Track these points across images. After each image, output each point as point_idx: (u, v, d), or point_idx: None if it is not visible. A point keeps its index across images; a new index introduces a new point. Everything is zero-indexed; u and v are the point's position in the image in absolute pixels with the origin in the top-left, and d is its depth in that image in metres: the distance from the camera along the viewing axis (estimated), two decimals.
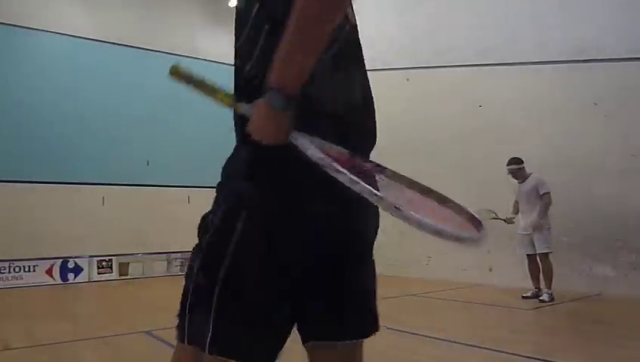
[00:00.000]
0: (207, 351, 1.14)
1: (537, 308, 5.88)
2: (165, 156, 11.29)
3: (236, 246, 1.13)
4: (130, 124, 10.95)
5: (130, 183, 10.81)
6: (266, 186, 1.13)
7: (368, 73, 1.44)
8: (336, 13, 1.08)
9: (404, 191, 1.20)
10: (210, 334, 1.14)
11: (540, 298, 6.18)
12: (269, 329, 1.16)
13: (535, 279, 6.48)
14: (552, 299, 6.10)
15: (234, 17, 1.38)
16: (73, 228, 9.95)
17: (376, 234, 1.39)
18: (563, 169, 7.16)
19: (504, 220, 6.61)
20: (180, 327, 1.27)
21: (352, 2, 1.39)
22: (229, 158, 1.26)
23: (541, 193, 6.24)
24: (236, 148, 1.25)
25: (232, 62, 1.43)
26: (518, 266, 7.59)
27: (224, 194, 1.21)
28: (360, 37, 1.46)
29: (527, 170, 6.48)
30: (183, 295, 1.29)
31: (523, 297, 6.40)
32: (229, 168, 1.23)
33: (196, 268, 1.22)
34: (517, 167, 6.44)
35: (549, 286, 6.20)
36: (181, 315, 1.28)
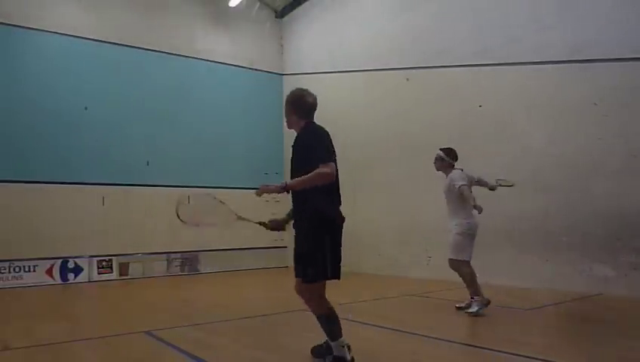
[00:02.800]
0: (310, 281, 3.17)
1: (537, 308, 5.89)
2: (165, 156, 11.31)
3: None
4: (130, 125, 10.96)
5: (130, 183, 10.82)
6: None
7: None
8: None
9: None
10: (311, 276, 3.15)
11: (467, 310, 5.40)
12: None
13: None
14: (481, 306, 5.31)
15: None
16: (73, 228, 9.96)
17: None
18: (563, 169, 7.17)
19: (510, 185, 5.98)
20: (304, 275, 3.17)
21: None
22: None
23: (456, 186, 5.38)
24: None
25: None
26: (517, 266, 7.60)
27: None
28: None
29: (457, 166, 5.73)
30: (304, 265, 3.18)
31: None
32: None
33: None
34: (439, 155, 5.74)
35: (474, 294, 5.41)
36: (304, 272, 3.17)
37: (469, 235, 5.43)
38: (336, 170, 3.20)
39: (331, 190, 3.21)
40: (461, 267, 5.45)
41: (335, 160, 3.19)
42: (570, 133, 7.16)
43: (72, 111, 10.29)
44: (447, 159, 5.69)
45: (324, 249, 3.11)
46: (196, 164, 11.63)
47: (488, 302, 5.36)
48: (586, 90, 6.97)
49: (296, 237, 3.30)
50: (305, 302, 3.25)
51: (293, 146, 3.32)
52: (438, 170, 5.78)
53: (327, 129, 3.38)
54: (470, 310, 5.34)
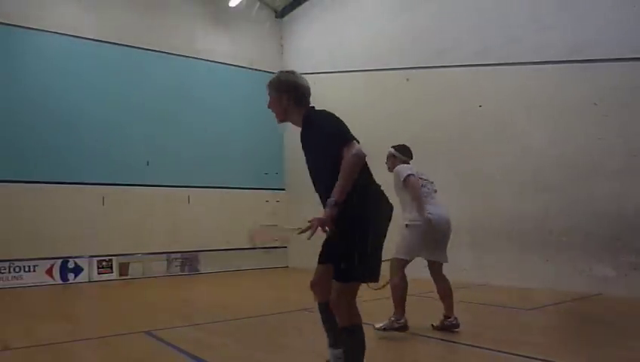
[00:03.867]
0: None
1: (537, 308, 5.89)
2: (165, 156, 11.31)
3: None
4: (130, 125, 10.96)
5: (130, 183, 10.82)
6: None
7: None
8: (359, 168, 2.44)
9: None
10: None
11: (377, 325, 4.32)
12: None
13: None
14: (390, 327, 4.30)
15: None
16: (73, 228, 9.96)
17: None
18: (563, 169, 7.16)
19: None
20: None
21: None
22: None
23: (402, 179, 4.53)
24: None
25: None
26: (517, 266, 7.60)
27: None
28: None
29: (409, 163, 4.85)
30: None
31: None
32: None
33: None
34: (390, 153, 4.87)
35: (396, 312, 4.37)
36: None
37: (415, 229, 4.40)
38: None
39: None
40: (393, 270, 4.38)
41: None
42: (570, 133, 7.15)
43: (72, 111, 10.29)
44: (401, 157, 4.84)
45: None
46: (196, 164, 11.63)
47: (402, 328, 4.31)
48: (586, 90, 6.97)
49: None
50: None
51: (304, 142, 2.69)
52: (390, 170, 4.83)
53: None
54: (378, 325, 4.31)
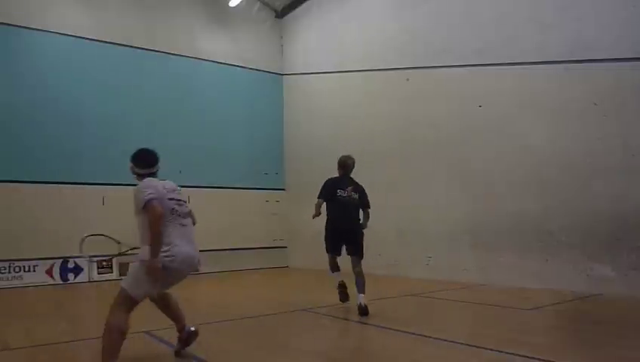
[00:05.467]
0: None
1: (537, 308, 5.89)
2: (165, 156, 11.22)
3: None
4: (130, 124, 10.95)
5: (130, 183, 10.73)
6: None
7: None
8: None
9: None
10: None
11: None
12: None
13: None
14: None
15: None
16: (73, 228, 9.94)
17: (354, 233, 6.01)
18: (563, 169, 7.17)
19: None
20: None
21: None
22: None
23: (142, 205, 3.63)
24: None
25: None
26: (517, 266, 7.60)
27: None
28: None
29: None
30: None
31: None
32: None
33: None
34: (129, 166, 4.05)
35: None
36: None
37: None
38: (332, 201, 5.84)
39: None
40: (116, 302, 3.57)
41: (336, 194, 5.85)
42: (570, 133, 7.16)
43: (72, 111, 10.29)
44: (141, 170, 4.06)
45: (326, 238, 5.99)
46: (196, 164, 11.62)
47: None
48: (586, 90, 6.97)
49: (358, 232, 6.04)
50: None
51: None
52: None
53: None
54: None
